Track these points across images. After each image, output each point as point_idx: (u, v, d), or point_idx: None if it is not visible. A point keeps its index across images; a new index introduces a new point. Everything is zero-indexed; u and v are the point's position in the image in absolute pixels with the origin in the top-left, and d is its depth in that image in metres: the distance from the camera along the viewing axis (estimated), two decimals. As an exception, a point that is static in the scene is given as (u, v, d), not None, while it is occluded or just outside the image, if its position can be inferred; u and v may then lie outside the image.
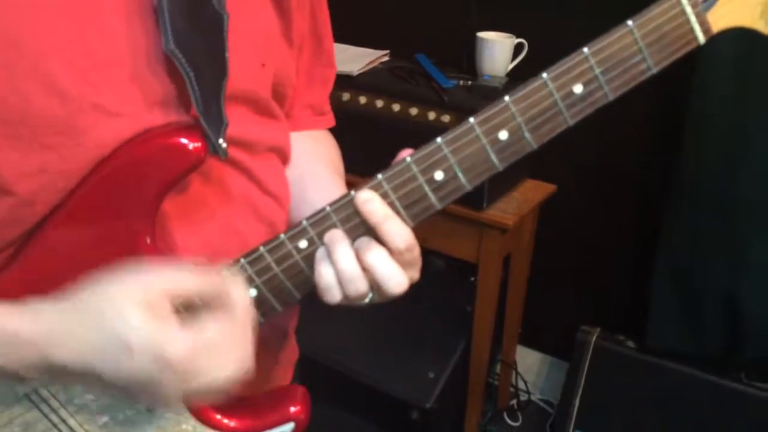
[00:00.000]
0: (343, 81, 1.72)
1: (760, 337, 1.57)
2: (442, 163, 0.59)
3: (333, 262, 0.60)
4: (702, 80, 1.48)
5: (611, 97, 0.57)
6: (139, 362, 0.51)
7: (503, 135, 0.58)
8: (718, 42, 1.39)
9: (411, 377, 1.78)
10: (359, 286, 0.60)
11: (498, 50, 1.73)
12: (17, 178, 0.57)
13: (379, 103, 1.69)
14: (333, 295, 0.61)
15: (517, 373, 2.10)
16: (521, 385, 2.11)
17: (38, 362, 0.53)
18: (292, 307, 0.70)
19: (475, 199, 1.58)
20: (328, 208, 0.61)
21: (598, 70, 0.56)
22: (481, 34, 1.75)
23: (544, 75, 0.56)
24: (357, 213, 0.60)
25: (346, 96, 1.72)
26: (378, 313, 1.88)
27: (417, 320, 1.87)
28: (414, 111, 1.65)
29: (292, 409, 0.69)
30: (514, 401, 2.12)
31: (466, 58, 1.80)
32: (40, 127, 0.56)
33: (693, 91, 1.50)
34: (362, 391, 1.82)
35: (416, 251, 0.61)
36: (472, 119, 0.58)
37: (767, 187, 1.48)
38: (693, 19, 0.55)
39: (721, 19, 0.56)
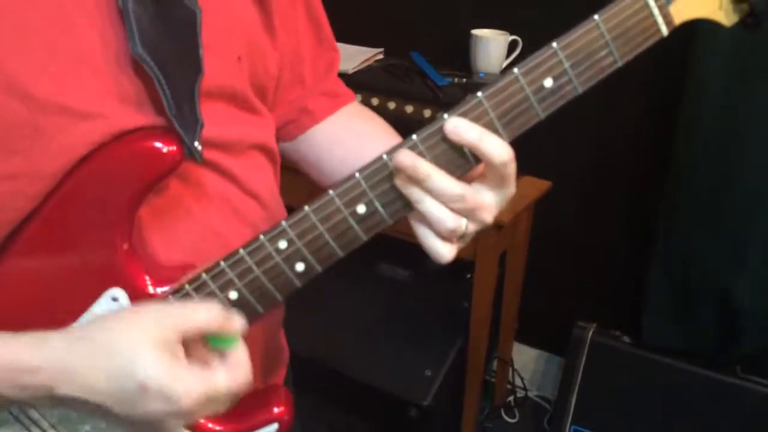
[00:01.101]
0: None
1: (754, 331, 1.58)
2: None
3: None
4: (696, 78, 1.48)
5: (580, 90, 0.58)
6: (153, 403, 0.53)
7: None
8: (711, 40, 1.41)
9: (408, 375, 1.78)
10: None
11: (492, 48, 1.74)
12: None
13: (375, 101, 1.70)
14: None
15: (513, 369, 2.11)
16: (518, 381, 2.12)
17: (45, 394, 0.53)
18: (276, 307, 0.70)
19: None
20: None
21: (567, 64, 0.57)
22: (475, 32, 1.75)
23: (516, 70, 0.57)
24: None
25: (341, 94, 1.73)
26: (374, 311, 1.89)
27: (414, 318, 1.87)
28: (409, 109, 1.65)
29: (276, 410, 0.69)
30: (511, 398, 2.13)
31: (461, 55, 1.81)
32: (4, 132, 0.54)
33: (687, 88, 1.51)
34: (359, 390, 1.82)
35: (470, 201, 0.58)
36: (446, 116, 0.58)
37: (760, 182, 1.49)
38: (656, 12, 0.56)
39: (682, 12, 0.57)
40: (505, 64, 1.77)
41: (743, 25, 0.60)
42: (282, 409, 0.69)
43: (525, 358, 2.15)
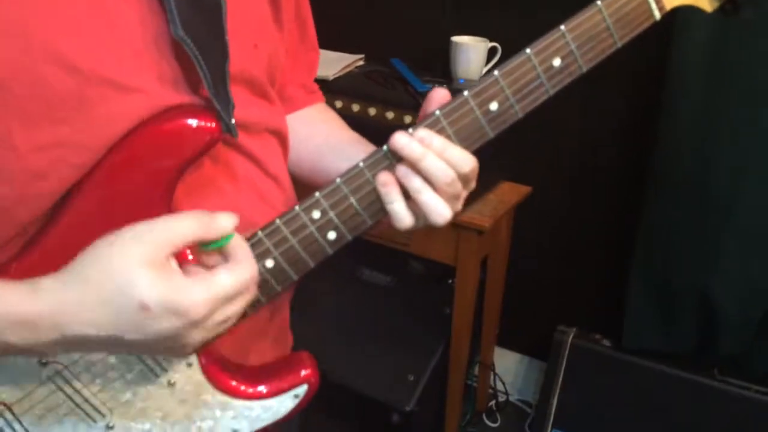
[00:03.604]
0: (319, 85, 1.71)
1: (732, 334, 1.60)
2: (440, 135, 0.64)
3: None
4: (673, 80, 1.50)
5: (584, 69, 0.65)
6: (160, 321, 0.53)
7: (494, 106, 0.64)
8: (690, 40, 1.43)
9: (391, 380, 1.78)
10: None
11: (472, 54, 1.75)
12: (30, 151, 0.57)
13: (355, 108, 1.70)
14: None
15: (495, 374, 2.12)
16: (499, 386, 2.13)
17: (57, 338, 0.53)
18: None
19: (452, 201, 1.59)
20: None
21: (573, 45, 0.63)
22: (455, 39, 1.76)
23: (528, 50, 0.63)
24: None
25: (322, 100, 1.72)
26: (357, 316, 1.89)
27: (396, 323, 1.87)
28: (390, 115, 1.65)
29: (303, 372, 0.73)
30: (493, 402, 2.14)
31: (441, 62, 1.82)
32: (52, 102, 0.57)
33: (665, 92, 1.52)
34: (342, 394, 1.82)
35: (458, 186, 0.66)
36: (466, 93, 0.64)
37: (739, 187, 1.51)
38: None
39: None
40: (484, 70, 1.78)
41: (722, 11, 0.67)
42: (309, 371, 0.73)
43: (506, 363, 2.16)
